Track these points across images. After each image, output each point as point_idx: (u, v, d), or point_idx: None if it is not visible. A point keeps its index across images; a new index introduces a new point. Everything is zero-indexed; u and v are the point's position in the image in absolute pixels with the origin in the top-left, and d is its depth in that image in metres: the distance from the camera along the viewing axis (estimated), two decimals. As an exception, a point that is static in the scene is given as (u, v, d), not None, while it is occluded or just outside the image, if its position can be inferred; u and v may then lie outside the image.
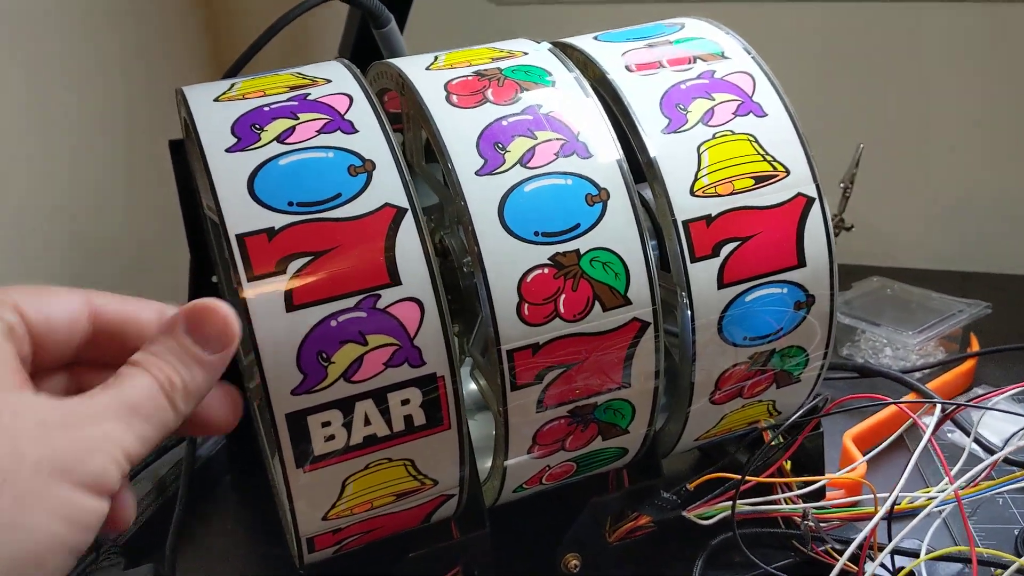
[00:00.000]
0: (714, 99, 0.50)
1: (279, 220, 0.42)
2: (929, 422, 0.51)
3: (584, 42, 0.55)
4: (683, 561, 0.54)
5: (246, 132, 0.44)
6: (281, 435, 0.42)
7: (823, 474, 0.57)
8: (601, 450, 0.50)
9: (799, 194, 0.49)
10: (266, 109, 0.46)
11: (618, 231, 0.46)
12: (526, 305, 0.44)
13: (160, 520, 0.61)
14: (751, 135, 0.50)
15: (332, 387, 0.42)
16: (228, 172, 0.43)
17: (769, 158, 0.49)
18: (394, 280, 0.42)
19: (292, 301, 0.41)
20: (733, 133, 0.50)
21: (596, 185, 0.46)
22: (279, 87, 0.48)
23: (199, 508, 0.64)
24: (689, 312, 0.48)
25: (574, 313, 0.45)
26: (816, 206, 0.49)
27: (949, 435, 0.69)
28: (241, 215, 0.42)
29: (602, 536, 0.54)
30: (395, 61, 0.52)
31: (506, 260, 0.44)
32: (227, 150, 0.43)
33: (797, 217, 0.49)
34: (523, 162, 0.46)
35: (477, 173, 0.45)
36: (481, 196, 0.45)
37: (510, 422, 0.46)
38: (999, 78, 0.96)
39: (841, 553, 0.50)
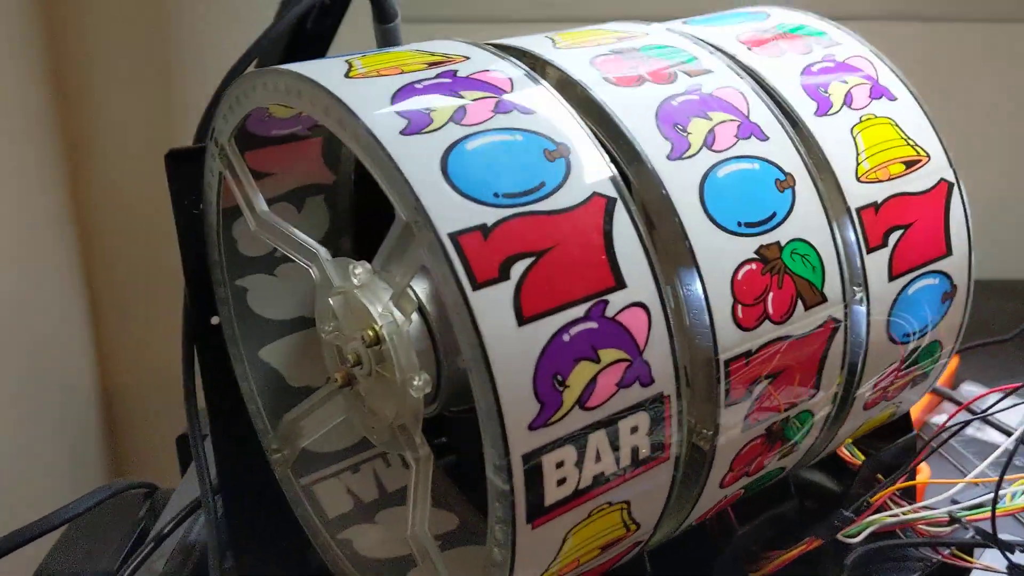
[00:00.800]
0: (847, 82, 0.47)
1: (490, 215, 0.34)
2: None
3: (683, 26, 0.50)
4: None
5: (412, 113, 0.35)
6: (516, 484, 0.33)
7: (911, 475, 0.55)
8: (773, 471, 0.45)
9: (942, 179, 0.47)
10: (418, 87, 0.37)
11: (810, 219, 0.41)
12: (740, 307, 0.39)
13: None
14: (891, 119, 0.47)
15: (568, 417, 0.34)
16: (415, 159, 0.34)
17: (911, 142, 0.47)
18: (619, 283, 0.35)
19: (523, 312, 0.33)
20: (875, 116, 0.46)
21: (782, 170, 0.41)
22: (414, 63, 0.39)
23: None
24: (865, 308, 0.44)
25: (781, 314, 0.40)
26: (956, 192, 0.47)
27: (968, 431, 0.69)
28: (446, 210, 0.33)
29: (742, 571, 0.48)
30: (504, 41, 0.44)
31: (717, 255, 0.38)
32: (402, 132, 0.34)
33: (943, 203, 0.47)
34: (708, 145, 0.40)
35: (669, 158, 0.39)
36: (680, 184, 0.38)
37: (718, 444, 0.40)
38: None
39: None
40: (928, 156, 0.47)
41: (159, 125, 0.89)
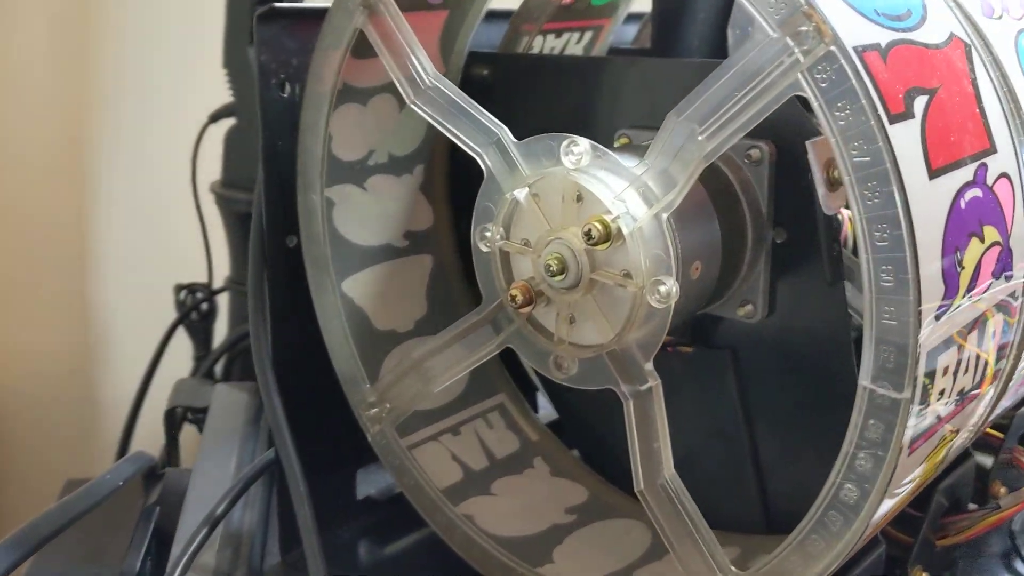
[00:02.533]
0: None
1: (882, 34, 0.25)
2: None
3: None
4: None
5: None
6: (913, 390, 0.25)
7: None
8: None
9: None
10: None
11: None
12: None
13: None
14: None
15: (959, 310, 0.26)
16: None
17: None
18: (992, 146, 0.28)
19: (931, 162, 0.25)
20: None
21: None
22: None
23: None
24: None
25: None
26: None
27: None
28: (844, 17, 0.24)
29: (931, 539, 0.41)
30: None
31: None
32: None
33: None
34: (1007, 9, 0.33)
35: (984, 15, 0.32)
36: (1002, 41, 0.31)
37: None
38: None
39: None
40: None
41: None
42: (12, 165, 0.70)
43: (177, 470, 0.46)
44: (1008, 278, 0.28)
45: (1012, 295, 0.29)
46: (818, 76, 0.24)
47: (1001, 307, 0.28)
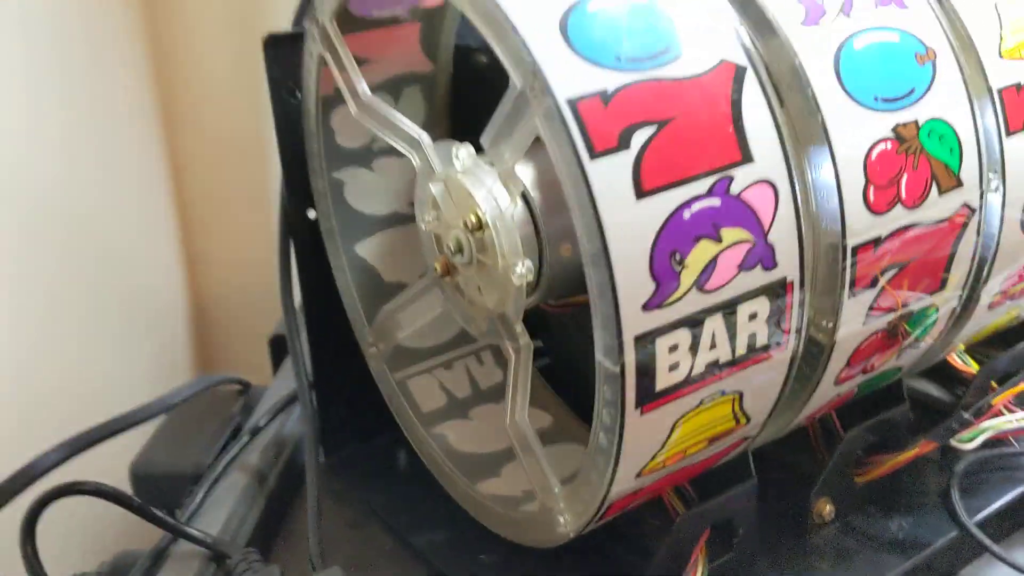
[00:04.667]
0: (991, -49, 0.43)
1: (611, 79, 0.31)
2: None
3: None
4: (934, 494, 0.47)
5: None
6: (627, 366, 0.31)
7: None
8: (888, 371, 0.42)
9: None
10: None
11: (950, 97, 0.38)
12: (872, 189, 0.36)
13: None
14: (1039, -9, 0.43)
15: (684, 299, 0.32)
16: (532, 18, 0.31)
17: (1063, 17, 0.42)
18: (746, 156, 0.33)
19: (642, 185, 0.31)
20: (1023, -12, 0.42)
21: (923, 43, 0.38)
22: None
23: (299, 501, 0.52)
24: (1000, 198, 0.40)
25: (914, 198, 0.37)
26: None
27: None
28: (565, 73, 0.31)
29: (849, 475, 0.46)
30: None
31: (851, 132, 0.35)
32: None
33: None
34: (845, 11, 0.37)
35: (803, 23, 0.36)
36: (814, 52, 0.35)
37: (837, 338, 0.37)
38: None
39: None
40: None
41: (246, 28, 0.87)
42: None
43: (260, 387, 0.60)
44: (768, 268, 0.33)
45: (780, 283, 0.34)
46: (547, 123, 0.31)
47: (766, 290, 0.33)
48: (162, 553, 0.44)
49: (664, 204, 0.31)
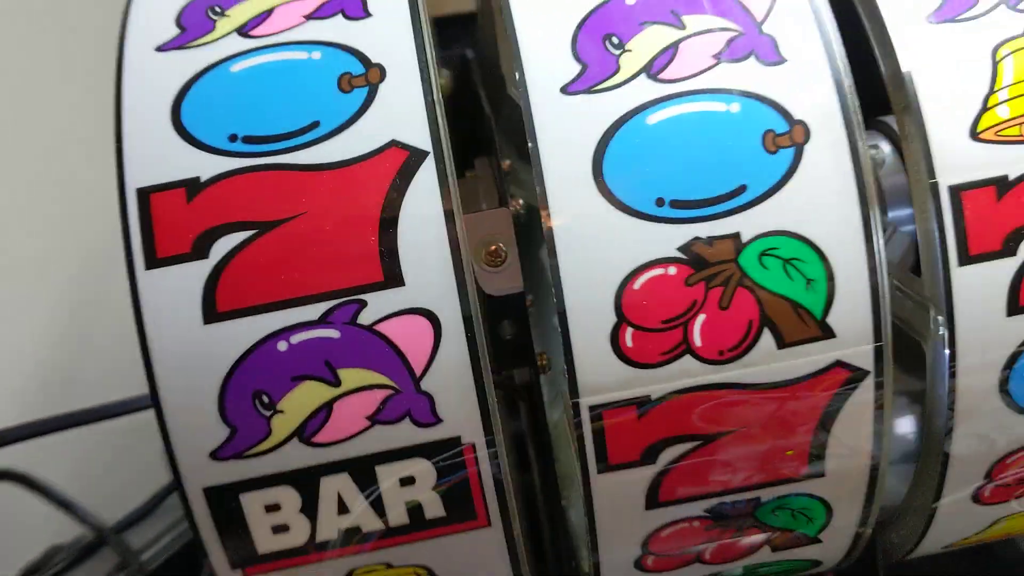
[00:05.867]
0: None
1: (211, 166, 0.25)
2: None
3: None
4: None
5: (197, 20, 0.27)
6: (200, 520, 0.25)
7: None
8: (772, 563, 0.30)
9: None
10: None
11: (820, 201, 0.25)
12: (630, 330, 0.25)
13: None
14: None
15: (280, 451, 0.25)
16: (145, 85, 0.26)
17: None
18: (392, 278, 0.24)
19: (215, 306, 0.24)
20: (1068, 23, 0.26)
21: (788, 115, 0.25)
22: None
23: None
24: (948, 348, 0.26)
25: (722, 348, 0.25)
26: None
27: None
28: (150, 157, 0.25)
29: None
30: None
31: (598, 248, 0.25)
32: (158, 48, 0.27)
33: None
34: (652, 71, 0.26)
35: (565, 89, 0.26)
36: (565, 131, 0.25)
37: (597, 515, 0.27)
38: None
39: None
40: None
41: None
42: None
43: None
44: (426, 425, 0.25)
45: (450, 442, 0.25)
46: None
47: (425, 451, 0.25)
48: (85, 552, 0.46)
49: (247, 331, 0.24)
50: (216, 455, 0.25)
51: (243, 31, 0.27)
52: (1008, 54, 0.26)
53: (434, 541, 0.26)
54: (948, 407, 0.27)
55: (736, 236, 0.25)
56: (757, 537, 0.28)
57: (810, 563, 0.31)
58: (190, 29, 0.27)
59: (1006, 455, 0.28)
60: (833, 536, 0.29)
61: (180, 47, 0.26)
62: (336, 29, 0.26)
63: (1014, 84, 0.26)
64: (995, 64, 0.26)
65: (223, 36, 0.27)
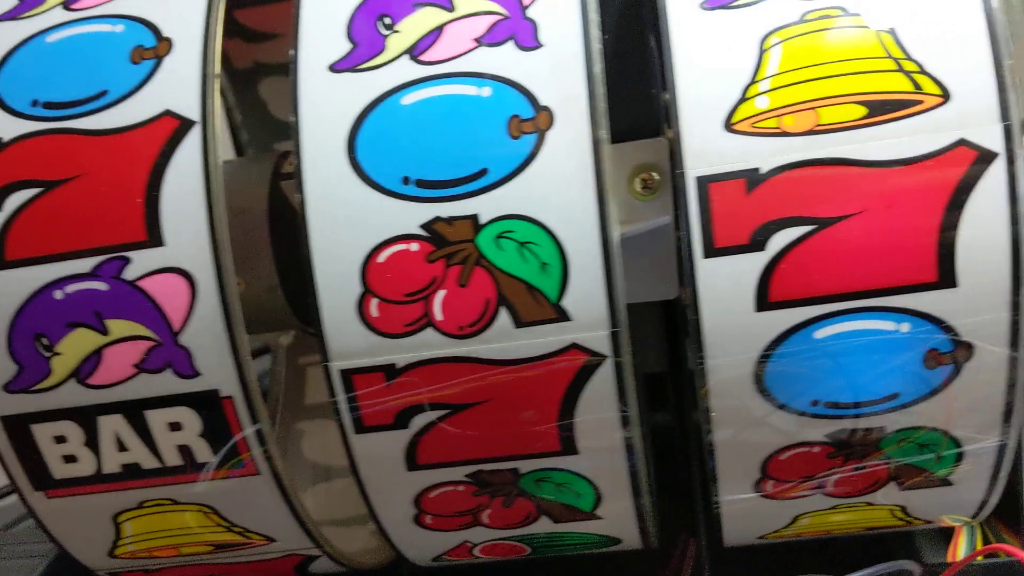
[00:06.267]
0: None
1: (10, 128, 0.28)
2: None
3: None
4: None
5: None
6: (1, 445, 0.29)
7: None
8: (563, 534, 0.31)
9: (962, 142, 0.25)
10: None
11: (556, 187, 0.26)
12: (375, 301, 0.26)
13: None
14: (889, 28, 0.25)
15: (61, 389, 0.28)
16: None
17: (912, 68, 0.25)
18: (153, 238, 0.26)
19: (4, 254, 0.27)
20: (843, 13, 0.26)
21: (535, 101, 0.26)
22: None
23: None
24: (698, 343, 0.26)
25: (461, 324, 0.26)
26: (997, 169, 0.24)
27: None
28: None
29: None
30: None
31: (348, 221, 0.26)
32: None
33: (951, 188, 0.25)
34: (415, 52, 0.27)
35: (332, 67, 0.27)
36: (326, 108, 0.27)
37: (363, 476, 0.29)
38: None
39: None
40: (946, 95, 0.25)
41: None
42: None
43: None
44: (186, 376, 0.27)
45: (210, 396, 0.27)
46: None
47: (189, 400, 0.27)
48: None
49: (30, 279, 0.27)
50: (8, 388, 0.28)
51: (67, 3, 0.29)
52: (777, 43, 0.26)
53: (211, 484, 0.29)
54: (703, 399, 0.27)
55: (474, 218, 0.26)
56: (527, 504, 0.29)
57: (606, 539, 0.31)
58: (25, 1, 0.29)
59: (779, 450, 0.28)
60: (613, 513, 0.30)
61: (12, 19, 0.29)
62: (145, 3, 0.28)
63: (778, 74, 0.25)
64: (761, 53, 0.26)
65: (50, 8, 0.29)
